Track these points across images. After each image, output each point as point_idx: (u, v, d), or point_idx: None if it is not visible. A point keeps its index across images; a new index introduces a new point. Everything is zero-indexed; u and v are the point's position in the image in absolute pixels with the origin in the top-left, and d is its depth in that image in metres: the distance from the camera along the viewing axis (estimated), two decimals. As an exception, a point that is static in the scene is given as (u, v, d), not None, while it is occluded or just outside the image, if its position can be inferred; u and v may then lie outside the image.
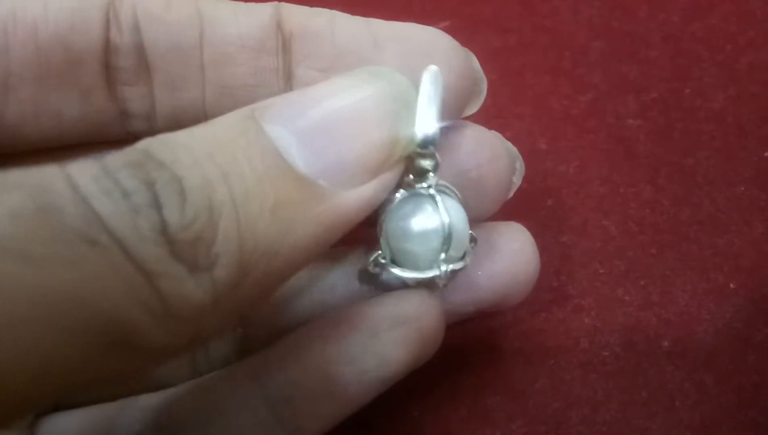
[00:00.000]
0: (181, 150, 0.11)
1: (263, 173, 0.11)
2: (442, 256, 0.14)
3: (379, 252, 0.15)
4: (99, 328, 0.10)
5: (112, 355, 0.10)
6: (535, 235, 0.21)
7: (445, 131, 0.15)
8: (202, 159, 0.11)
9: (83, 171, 0.10)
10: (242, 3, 0.15)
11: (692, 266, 0.20)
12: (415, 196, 0.15)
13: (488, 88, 0.25)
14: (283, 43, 0.15)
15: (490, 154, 0.16)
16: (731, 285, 0.20)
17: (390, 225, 0.15)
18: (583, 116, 0.24)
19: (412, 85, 0.14)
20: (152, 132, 0.15)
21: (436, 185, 0.15)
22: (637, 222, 0.21)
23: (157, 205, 0.10)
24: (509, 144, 0.17)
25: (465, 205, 0.15)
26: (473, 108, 0.16)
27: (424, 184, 0.14)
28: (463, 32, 0.26)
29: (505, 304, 0.17)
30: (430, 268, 0.15)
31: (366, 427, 0.19)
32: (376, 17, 0.16)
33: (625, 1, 0.26)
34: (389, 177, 0.13)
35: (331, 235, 0.13)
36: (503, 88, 0.25)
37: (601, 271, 0.21)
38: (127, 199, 0.10)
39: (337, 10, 0.16)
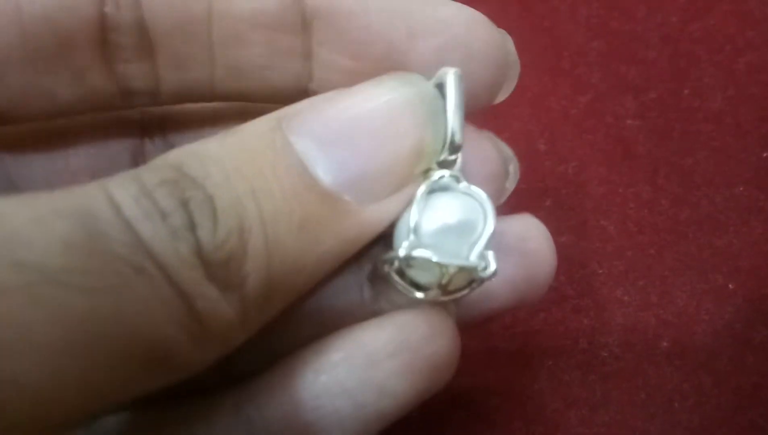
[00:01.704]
0: (212, 165, 0.11)
1: (291, 191, 0.11)
2: (406, 243, 0.13)
3: (394, 253, 0.13)
4: (141, 350, 0.10)
5: (150, 373, 0.11)
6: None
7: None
8: (232, 175, 0.11)
9: (123, 190, 0.10)
10: None
11: (691, 267, 0.20)
12: (441, 187, 0.13)
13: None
14: (303, 21, 0.14)
15: (481, 158, 0.15)
16: (730, 285, 0.20)
17: (423, 220, 0.13)
18: (581, 116, 0.24)
19: (438, 95, 0.13)
20: (158, 106, 0.15)
21: (448, 181, 0.13)
22: (636, 222, 0.21)
23: (192, 227, 0.10)
24: (503, 145, 0.16)
25: (489, 217, 0.13)
26: (504, 95, 0.15)
27: (443, 175, 0.13)
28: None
29: (520, 307, 0.16)
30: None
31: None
32: None
33: (624, 1, 0.26)
34: (412, 189, 0.13)
35: (353, 249, 0.13)
36: (502, 88, 0.25)
37: (600, 271, 0.21)
38: (165, 221, 0.10)
39: None
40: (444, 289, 0.13)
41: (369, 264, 0.14)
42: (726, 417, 0.18)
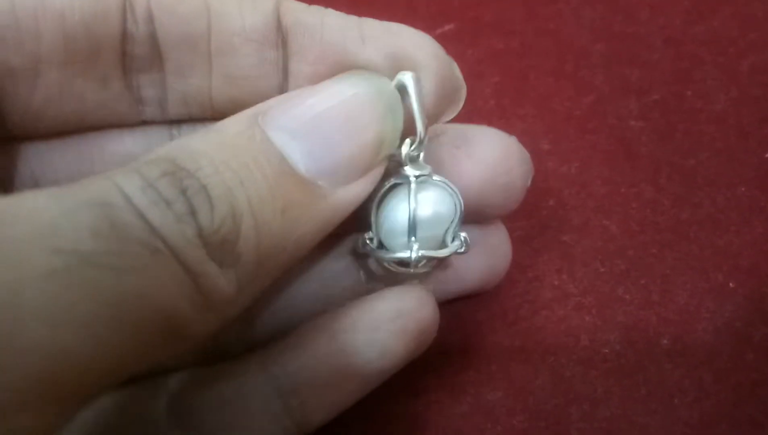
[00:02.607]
0: (202, 158, 0.13)
1: (273, 180, 0.13)
2: (413, 240, 0.16)
3: (368, 234, 0.17)
4: (159, 322, 0.12)
5: (165, 343, 0.12)
6: (537, 234, 0.22)
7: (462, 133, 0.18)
8: (221, 167, 0.13)
9: (129, 182, 0.12)
10: (247, 1, 0.16)
11: (692, 265, 0.21)
12: (398, 185, 0.16)
13: (492, 89, 0.25)
14: (282, 37, 0.16)
15: (517, 160, 0.17)
16: (731, 284, 0.20)
17: (379, 211, 0.17)
18: (585, 117, 0.24)
19: (395, 90, 0.15)
20: (164, 117, 0.17)
21: (426, 177, 0.16)
22: (638, 222, 0.22)
23: (192, 212, 0.12)
24: (523, 149, 0.18)
25: (459, 202, 0.16)
26: (452, 114, 0.17)
27: (416, 174, 0.16)
28: (466, 35, 0.27)
29: (483, 290, 0.20)
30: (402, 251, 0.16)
31: (368, 422, 0.19)
32: (379, 20, 0.16)
33: (627, 4, 0.26)
34: (376, 173, 0.15)
35: (328, 228, 0.15)
36: (506, 89, 0.25)
37: (602, 269, 0.21)
38: (170, 208, 0.12)
39: (343, 11, 0.16)
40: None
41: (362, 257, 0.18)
42: (726, 413, 0.18)
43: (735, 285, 0.20)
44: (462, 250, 0.17)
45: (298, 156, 0.14)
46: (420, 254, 0.16)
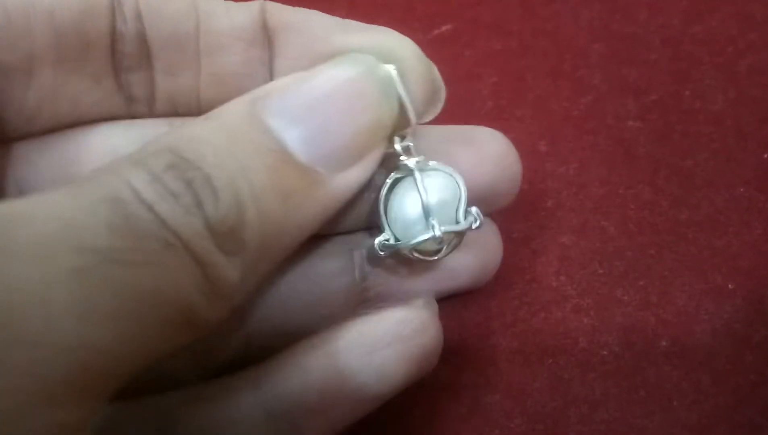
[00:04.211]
0: (204, 147, 0.13)
1: (273, 167, 0.13)
2: (432, 221, 0.16)
3: (382, 236, 0.16)
4: (173, 313, 0.12)
5: (179, 333, 0.12)
6: (535, 235, 0.22)
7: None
8: (222, 156, 0.13)
9: (137, 176, 0.12)
10: (232, 2, 0.16)
11: (691, 267, 0.21)
12: (399, 181, 0.17)
13: (490, 90, 0.25)
14: (268, 37, 0.16)
15: (515, 154, 0.18)
16: (729, 285, 0.20)
17: (388, 208, 0.17)
18: (583, 118, 0.24)
19: (388, 72, 0.15)
20: (152, 116, 0.17)
21: (423, 164, 0.16)
22: (636, 223, 0.22)
23: (199, 204, 0.12)
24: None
25: (461, 182, 0.17)
26: (430, 115, 0.17)
27: (413, 162, 0.16)
28: (464, 36, 0.27)
29: (475, 288, 0.20)
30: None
31: (365, 424, 0.19)
32: (379, 22, 0.16)
33: (626, 4, 0.26)
34: (373, 157, 0.15)
35: (328, 214, 0.15)
36: (504, 90, 0.25)
37: (600, 271, 0.21)
38: (177, 201, 0.12)
39: (341, 13, 0.16)
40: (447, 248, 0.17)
41: (358, 251, 0.18)
42: (724, 415, 0.18)
43: (734, 286, 0.20)
44: (477, 224, 0.16)
45: (297, 143, 0.14)
46: (443, 230, 0.16)
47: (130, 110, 0.17)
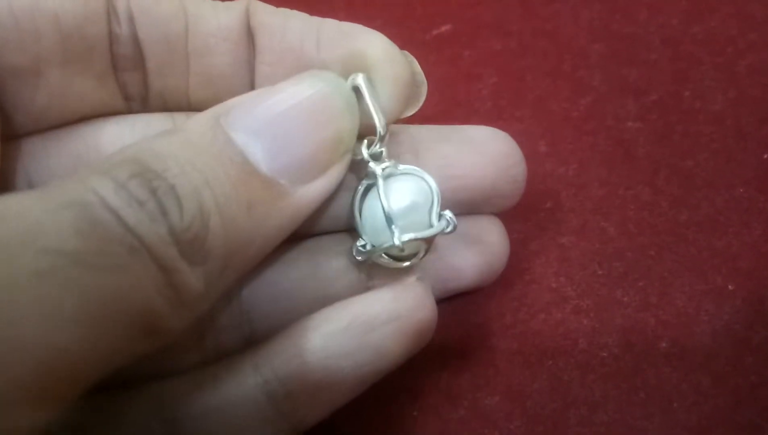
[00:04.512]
0: (168, 159, 0.13)
1: (237, 179, 0.14)
2: (393, 227, 0.16)
3: (359, 241, 0.17)
4: (137, 318, 0.12)
5: (142, 339, 0.12)
6: (535, 236, 0.22)
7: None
8: (186, 167, 0.13)
9: (102, 184, 0.12)
10: (220, 2, 0.17)
11: (691, 268, 0.21)
12: (371, 186, 0.17)
13: (489, 90, 0.25)
14: (251, 39, 0.16)
15: (520, 154, 0.18)
16: (729, 286, 0.20)
17: (362, 214, 0.17)
18: (582, 119, 0.24)
19: (350, 88, 0.15)
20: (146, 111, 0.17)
21: (392, 169, 0.16)
22: (636, 224, 0.21)
23: (164, 212, 0.12)
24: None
25: (433, 185, 0.16)
26: (411, 111, 0.17)
27: (382, 167, 0.16)
28: (464, 36, 0.26)
29: (479, 287, 0.20)
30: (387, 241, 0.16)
31: (365, 426, 0.19)
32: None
33: (625, 4, 0.26)
34: (337, 170, 0.16)
35: (293, 225, 0.15)
36: (503, 90, 0.25)
37: (600, 272, 0.21)
38: (142, 208, 0.12)
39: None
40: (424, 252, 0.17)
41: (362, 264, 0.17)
42: (724, 417, 0.18)
43: (734, 287, 0.20)
44: (449, 229, 0.16)
45: (260, 155, 0.14)
46: (404, 239, 0.16)
47: (130, 108, 0.17)
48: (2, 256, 0.11)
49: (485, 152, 0.18)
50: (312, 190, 0.15)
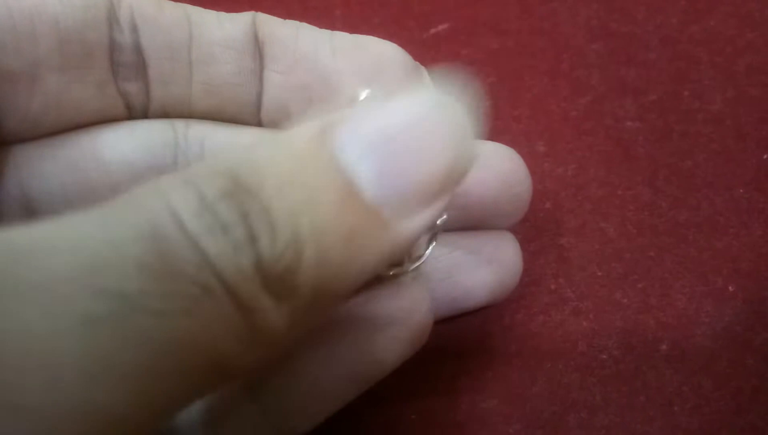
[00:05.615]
0: (267, 174, 0.11)
1: (339, 204, 0.12)
2: None
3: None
4: (205, 364, 0.10)
5: (209, 383, 0.11)
6: (533, 237, 0.21)
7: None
8: (285, 186, 0.11)
9: (184, 203, 0.10)
10: (224, 13, 0.17)
11: (691, 269, 0.20)
12: None
13: (487, 90, 0.25)
14: (259, 48, 0.16)
15: (525, 171, 0.18)
16: (730, 288, 0.20)
17: None
18: (581, 118, 0.24)
19: (470, 116, 0.13)
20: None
21: None
22: (636, 224, 0.21)
23: (252, 240, 0.11)
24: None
25: None
26: None
27: None
28: (461, 34, 0.26)
29: (491, 304, 0.19)
30: None
31: (363, 430, 0.19)
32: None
33: (624, 3, 0.26)
34: (440, 205, 0.13)
35: (387, 261, 0.13)
36: (501, 90, 0.24)
37: (599, 273, 0.21)
38: (226, 235, 0.10)
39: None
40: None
41: None
42: (726, 420, 0.18)
43: (734, 288, 0.20)
44: (414, 266, 0.16)
45: (365, 179, 0.12)
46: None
47: (130, 117, 0.17)
48: (49, 299, 0.09)
49: (489, 168, 0.17)
50: (415, 224, 0.13)
